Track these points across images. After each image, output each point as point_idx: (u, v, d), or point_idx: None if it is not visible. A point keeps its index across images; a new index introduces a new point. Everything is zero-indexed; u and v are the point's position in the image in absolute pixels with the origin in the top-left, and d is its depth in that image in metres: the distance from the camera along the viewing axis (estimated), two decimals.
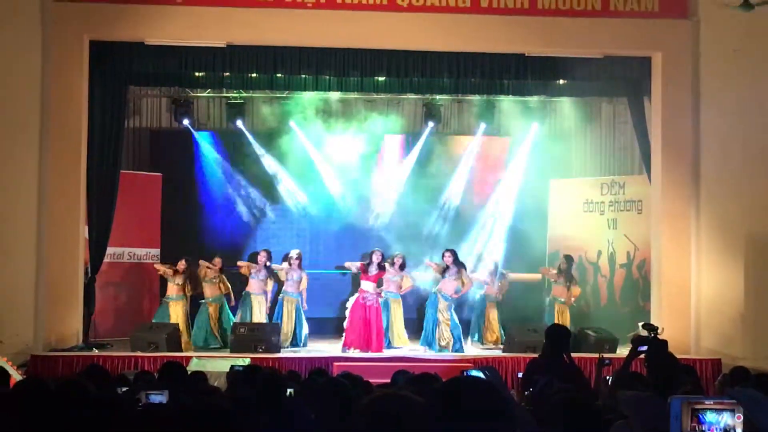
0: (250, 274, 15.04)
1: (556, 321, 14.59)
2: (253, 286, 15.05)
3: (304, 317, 15.01)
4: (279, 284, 15.30)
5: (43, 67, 13.63)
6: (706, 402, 4.15)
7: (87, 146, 14.11)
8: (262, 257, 15.10)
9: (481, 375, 5.24)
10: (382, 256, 14.93)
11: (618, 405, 6.53)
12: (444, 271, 14.66)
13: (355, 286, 15.29)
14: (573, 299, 15.42)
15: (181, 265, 14.97)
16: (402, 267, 15.18)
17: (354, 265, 15.12)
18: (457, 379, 3.38)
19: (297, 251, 15.24)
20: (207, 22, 13.92)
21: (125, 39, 14.05)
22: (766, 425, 4.13)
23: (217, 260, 15.20)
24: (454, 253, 14.83)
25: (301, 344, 14.81)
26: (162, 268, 15.10)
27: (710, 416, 4.09)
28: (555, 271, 15.58)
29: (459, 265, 14.71)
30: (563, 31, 14.28)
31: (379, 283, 14.88)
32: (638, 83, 15.03)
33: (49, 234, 13.64)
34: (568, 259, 15.70)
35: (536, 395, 5.78)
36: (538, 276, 16.35)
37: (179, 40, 14.10)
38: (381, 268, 14.79)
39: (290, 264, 15.08)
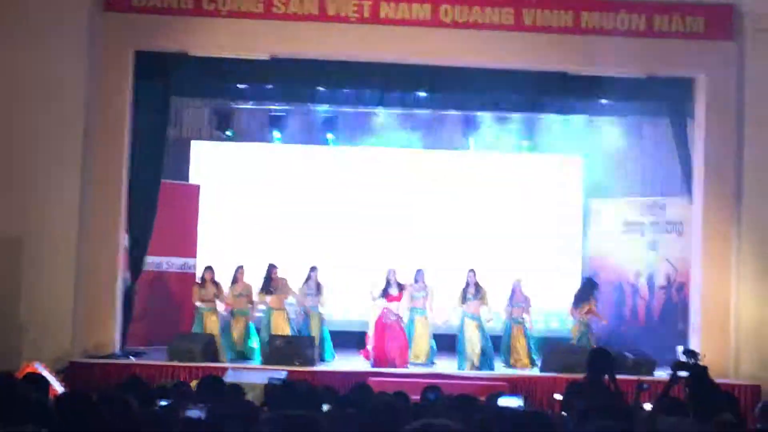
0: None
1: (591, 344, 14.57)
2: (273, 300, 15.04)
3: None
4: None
5: (88, 76, 13.73)
6: None
7: (129, 155, 14.22)
8: (276, 273, 15.05)
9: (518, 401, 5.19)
10: (394, 273, 14.85)
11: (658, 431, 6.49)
12: (465, 290, 14.70)
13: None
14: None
15: (208, 274, 14.91)
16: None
17: (376, 290, 14.91)
18: (501, 412, 3.36)
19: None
20: (251, 35, 13.97)
21: (169, 50, 14.13)
22: None
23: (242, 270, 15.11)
24: (475, 274, 14.85)
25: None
26: (196, 293, 14.97)
27: None
28: (587, 308, 15.14)
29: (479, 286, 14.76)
30: (606, 49, 14.18)
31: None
32: (681, 104, 14.85)
33: (89, 241, 13.73)
34: (593, 283, 15.56)
35: (576, 421, 5.73)
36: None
37: (223, 52, 14.15)
38: (400, 286, 14.77)
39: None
